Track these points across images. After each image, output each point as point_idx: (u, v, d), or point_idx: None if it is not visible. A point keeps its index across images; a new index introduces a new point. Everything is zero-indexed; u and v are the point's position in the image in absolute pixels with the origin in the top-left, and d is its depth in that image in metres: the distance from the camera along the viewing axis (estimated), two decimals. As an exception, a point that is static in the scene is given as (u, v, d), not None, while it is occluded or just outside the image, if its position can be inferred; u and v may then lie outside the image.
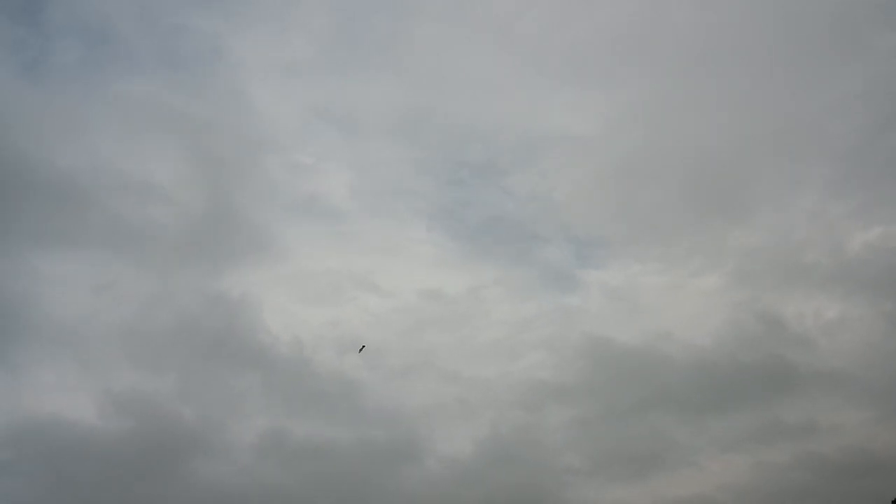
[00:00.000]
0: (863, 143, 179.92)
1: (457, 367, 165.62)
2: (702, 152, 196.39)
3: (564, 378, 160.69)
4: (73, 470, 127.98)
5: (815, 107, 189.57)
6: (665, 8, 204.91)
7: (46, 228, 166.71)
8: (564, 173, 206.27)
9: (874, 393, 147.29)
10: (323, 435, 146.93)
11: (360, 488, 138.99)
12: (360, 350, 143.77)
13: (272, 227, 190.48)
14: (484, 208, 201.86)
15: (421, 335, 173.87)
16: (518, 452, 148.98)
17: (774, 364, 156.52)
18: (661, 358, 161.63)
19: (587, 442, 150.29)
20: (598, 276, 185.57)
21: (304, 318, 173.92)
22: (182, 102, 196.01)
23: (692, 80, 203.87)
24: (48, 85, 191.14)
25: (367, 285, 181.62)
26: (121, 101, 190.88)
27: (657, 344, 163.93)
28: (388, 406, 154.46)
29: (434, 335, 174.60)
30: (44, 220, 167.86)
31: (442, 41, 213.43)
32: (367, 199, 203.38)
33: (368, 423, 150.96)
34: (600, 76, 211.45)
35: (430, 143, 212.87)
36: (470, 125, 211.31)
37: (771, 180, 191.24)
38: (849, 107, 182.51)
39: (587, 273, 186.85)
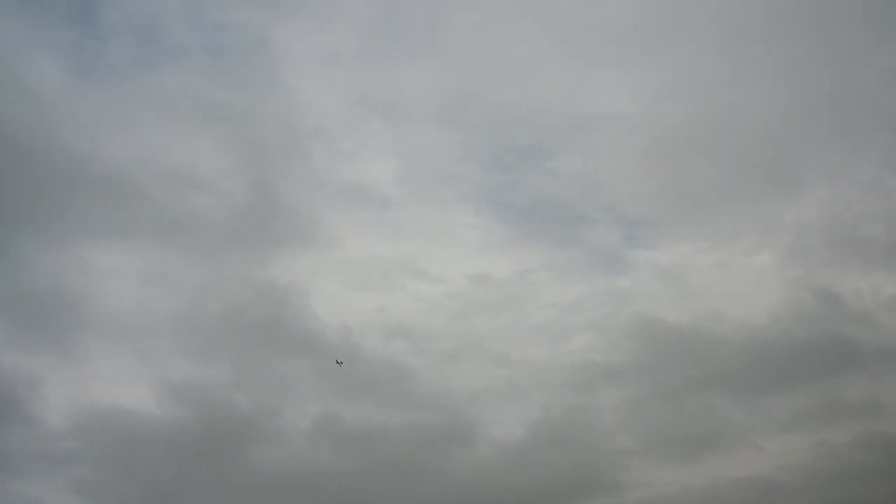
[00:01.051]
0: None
1: (506, 351, 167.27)
2: (751, 126, 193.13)
3: (615, 359, 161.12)
4: (136, 457, 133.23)
5: (869, 76, 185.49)
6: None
7: (98, 222, 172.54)
8: (610, 153, 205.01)
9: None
10: (374, 420, 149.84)
11: (412, 472, 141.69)
12: (340, 364, 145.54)
13: (319, 216, 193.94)
14: (530, 191, 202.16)
15: (470, 320, 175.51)
16: (570, 434, 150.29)
17: (833, 341, 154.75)
18: (713, 338, 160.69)
19: (640, 423, 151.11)
20: (648, 256, 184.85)
21: (353, 305, 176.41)
22: (228, 95, 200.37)
23: (739, 52, 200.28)
24: (102, 83, 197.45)
25: (416, 271, 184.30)
26: (169, 96, 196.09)
27: (709, 324, 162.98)
28: (438, 390, 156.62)
29: (483, 319, 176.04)
30: (96, 213, 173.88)
31: (483, 25, 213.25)
32: (413, 185, 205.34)
33: (419, 408, 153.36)
34: (643, 53, 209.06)
35: (475, 127, 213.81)
36: (513, 108, 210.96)
37: (825, 153, 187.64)
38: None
39: (636, 254, 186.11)
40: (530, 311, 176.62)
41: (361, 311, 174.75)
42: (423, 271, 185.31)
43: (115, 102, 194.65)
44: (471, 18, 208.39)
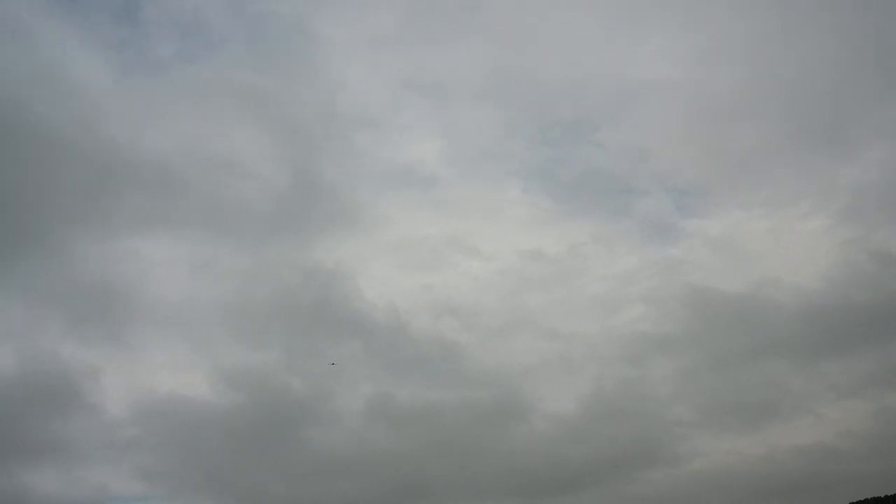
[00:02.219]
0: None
1: (557, 325, 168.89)
2: (801, 86, 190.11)
3: (667, 329, 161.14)
4: (196, 442, 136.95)
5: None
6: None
7: (146, 213, 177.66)
8: (657, 122, 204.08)
9: None
10: (427, 398, 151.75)
11: (468, 449, 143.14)
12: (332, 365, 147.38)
13: (366, 198, 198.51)
14: (577, 164, 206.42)
15: (521, 295, 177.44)
16: (624, 407, 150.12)
17: (892, 303, 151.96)
18: (768, 304, 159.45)
19: (695, 393, 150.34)
20: (699, 224, 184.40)
21: (402, 285, 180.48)
22: (270, 83, 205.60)
23: (789, 12, 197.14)
24: (147, 78, 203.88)
25: (466, 249, 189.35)
26: (212, 87, 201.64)
27: (763, 290, 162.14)
28: (490, 366, 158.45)
29: (534, 294, 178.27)
30: (144, 205, 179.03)
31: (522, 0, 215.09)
32: (460, 164, 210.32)
33: (471, 385, 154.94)
34: (686, 16, 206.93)
35: (520, 103, 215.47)
36: (557, 82, 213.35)
37: (880, 111, 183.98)
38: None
39: (687, 223, 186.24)
40: (582, 284, 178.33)
41: (411, 290, 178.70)
42: (474, 249, 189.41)
43: (159, 96, 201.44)
44: None
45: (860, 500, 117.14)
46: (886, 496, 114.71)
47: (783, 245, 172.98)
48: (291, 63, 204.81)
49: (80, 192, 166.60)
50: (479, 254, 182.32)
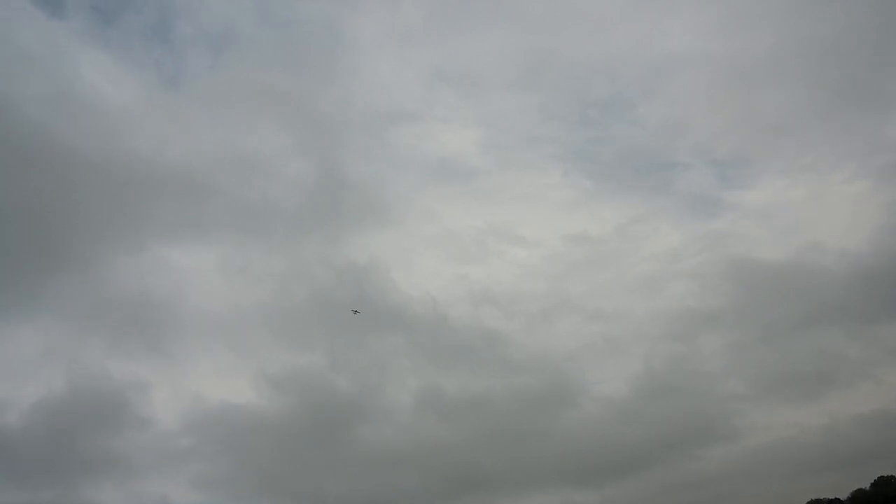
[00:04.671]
0: None
1: (602, 306, 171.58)
2: (836, 47, 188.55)
3: (713, 304, 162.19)
4: (249, 447, 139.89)
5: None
6: None
7: (174, 222, 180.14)
8: (693, 94, 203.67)
9: None
10: (474, 388, 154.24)
11: (520, 436, 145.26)
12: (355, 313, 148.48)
13: (405, 192, 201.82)
14: (616, 143, 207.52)
15: (567, 279, 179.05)
16: (675, 384, 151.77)
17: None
18: (815, 271, 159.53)
19: (748, 366, 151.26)
20: (742, 195, 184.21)
21: (443, 277, 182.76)
22: (301, 86, 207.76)
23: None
24: (173, 88, 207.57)
25: (511, 237, 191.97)
26: (239, 92, 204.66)
27: (808, 256, 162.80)
28: (535, 352, 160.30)
29: (581, 278, 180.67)
30: (171, 214, 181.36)
31: None
32: (498, 152, 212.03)
33: (518, 372, 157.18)
34: None
35: (553, 86, 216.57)
36: (590, 62, 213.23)
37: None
38: None
39: (730, 194, 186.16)
40: (629, 265, 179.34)
41: (450, 281, 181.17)
42: (518, 236, 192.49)
43: (184, 103, 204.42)
44: None
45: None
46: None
47: (827, 209, 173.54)
48: (321, 65, 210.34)
49: (105, 206, 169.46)
50: (523, 241, 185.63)
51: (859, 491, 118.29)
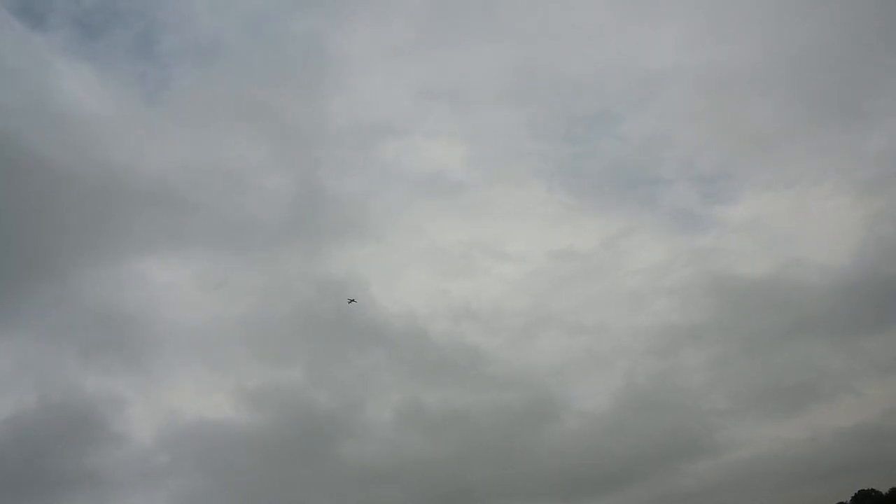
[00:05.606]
0: None
1: (584, 321, 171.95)
2: (820, 61, 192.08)
3: (695, 319, 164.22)
4: (228, 465, 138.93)
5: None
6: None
7: (152, 235, 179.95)
8: (677, 109, 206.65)
9: None
10: (456, 403, 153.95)
11: (504, 451, 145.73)
12: (350, 302, 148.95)
13: (390, 207, 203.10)
14: (602, 158, 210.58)
15: (552, 295, 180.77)
16: (658, 399, 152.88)
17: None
18: (797, 285, 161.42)
19: (731, 380, 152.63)
20: (726, 211, 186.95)
21: (422, 292, 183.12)
22: (285, 100, 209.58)
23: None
24: (165, 105, 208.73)
25: (496, 253, 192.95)
26: (220, 105, 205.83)
27: (791, 271, 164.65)
28: (517, 368, 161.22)
29: (567, 293, 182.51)
30: (148, 227, 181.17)
31: None
32: (484, 167, 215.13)
33: (500, 388, 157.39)
34: (703, 2, 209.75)
35: (541, 102, 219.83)
36: (577, 77, 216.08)
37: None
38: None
39: (714, 209, 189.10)
40: (614, 280, 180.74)
41: (435, 296, 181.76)
42: (503, 252, 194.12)
43: (163, 115, 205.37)
44: None
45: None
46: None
47: (810, 224, 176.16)
48: (308, 79, 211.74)
49: (85, 218, 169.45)
50: (508, 256, 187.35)
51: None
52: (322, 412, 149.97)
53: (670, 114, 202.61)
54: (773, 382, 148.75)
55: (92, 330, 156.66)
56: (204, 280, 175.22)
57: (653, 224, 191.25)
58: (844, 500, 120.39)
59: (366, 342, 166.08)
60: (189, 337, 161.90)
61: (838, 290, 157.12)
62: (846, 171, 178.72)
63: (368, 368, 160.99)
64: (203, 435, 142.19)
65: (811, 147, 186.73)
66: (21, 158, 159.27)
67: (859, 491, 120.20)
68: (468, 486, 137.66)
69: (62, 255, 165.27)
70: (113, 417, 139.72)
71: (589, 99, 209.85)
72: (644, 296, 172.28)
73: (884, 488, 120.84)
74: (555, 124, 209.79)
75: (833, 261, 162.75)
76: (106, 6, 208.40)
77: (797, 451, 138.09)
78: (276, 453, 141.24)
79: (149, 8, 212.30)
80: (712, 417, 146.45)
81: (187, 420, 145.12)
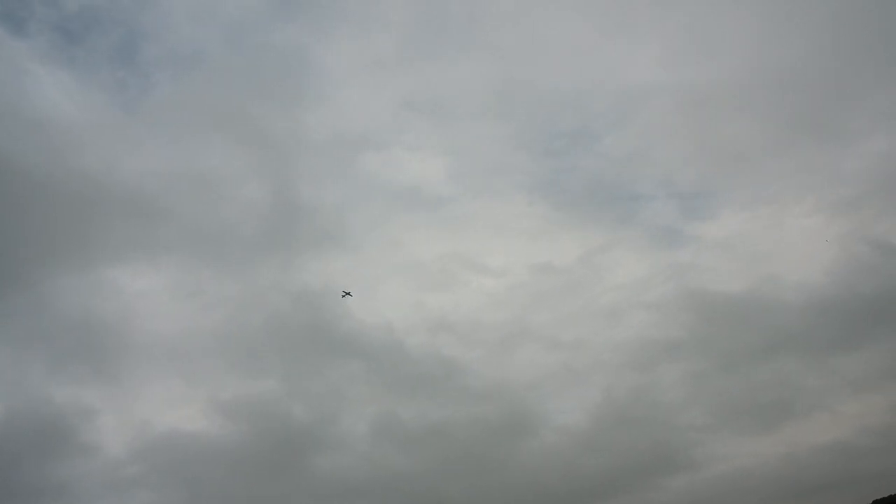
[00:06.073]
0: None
1: (562, 336, 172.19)
2: (801, 81, 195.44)
3: (672, 334, 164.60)
4: (200, 477, 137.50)
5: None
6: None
7: (125, 243, 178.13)
8: (658, 126, 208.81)
9: None
10: (433, 417, 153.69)
11: (480, 465, 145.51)
12: (344, 296, 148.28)
13: (370, 219, 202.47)
14: (583, 174, 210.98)
15: (531, 309, 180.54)
16: (635, 414, 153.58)
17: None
18: (772, 302, 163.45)
19: (707, 397, 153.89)
20: (705, 227, 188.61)
21: (405, 305, 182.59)
22: (269, 112, 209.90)
23: (783, 8, 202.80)
24: (143, 113, 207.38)
25: (476, 266, 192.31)
26: (198, 114, 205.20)
27: (767, 288, 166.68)
28: (494, 382, 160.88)
29: (546, 308, 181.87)
30: (122, 234, 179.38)
31: (519, 13, 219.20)
32: (465, 181, 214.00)
33: (477, 401, 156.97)
34: (682, 18, 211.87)
35: (522, 117, 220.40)
36: (558, 93, 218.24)
37: (878, 102, 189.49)
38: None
39: (693, 226, 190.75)
40: (593, 295, 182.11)
41: (413, 309, 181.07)
42: (483, 266, 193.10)
43: (140, 122, 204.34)
44: (505, 8, 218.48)
45: (882, 498, 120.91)
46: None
47: (786, 242, 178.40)
48: (288, 90, 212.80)
49: (56, 225, 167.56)
50: (488, 270, 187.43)
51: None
52: (297, 425, 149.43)
53: (650, 130, 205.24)
54: (749, 398, 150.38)
55: (63, 338, 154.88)
56: (178, 289, 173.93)
57: (632, 239, 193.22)
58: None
59: (342, 354, 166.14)
60: (162, 347, 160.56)
61: (814, 307, 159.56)
62: (822, 189, 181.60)
63: (344, 381, 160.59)
64: (175, 447, 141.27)
65: (788, 166, 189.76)
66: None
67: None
68: (444, 500, 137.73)
69: (34, 261, 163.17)
70: (83, 428, 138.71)
71: (570, 114, 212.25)
72: (622, 311, 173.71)
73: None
74: (536, 139, 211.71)
75: (808, 279, 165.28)
76: (87, 13, 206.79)
77: (773, 468, 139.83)
78: (249, 466, 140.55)
79: (130, 16, 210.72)
80: (690, 433, 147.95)
81: (159, 431, 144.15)
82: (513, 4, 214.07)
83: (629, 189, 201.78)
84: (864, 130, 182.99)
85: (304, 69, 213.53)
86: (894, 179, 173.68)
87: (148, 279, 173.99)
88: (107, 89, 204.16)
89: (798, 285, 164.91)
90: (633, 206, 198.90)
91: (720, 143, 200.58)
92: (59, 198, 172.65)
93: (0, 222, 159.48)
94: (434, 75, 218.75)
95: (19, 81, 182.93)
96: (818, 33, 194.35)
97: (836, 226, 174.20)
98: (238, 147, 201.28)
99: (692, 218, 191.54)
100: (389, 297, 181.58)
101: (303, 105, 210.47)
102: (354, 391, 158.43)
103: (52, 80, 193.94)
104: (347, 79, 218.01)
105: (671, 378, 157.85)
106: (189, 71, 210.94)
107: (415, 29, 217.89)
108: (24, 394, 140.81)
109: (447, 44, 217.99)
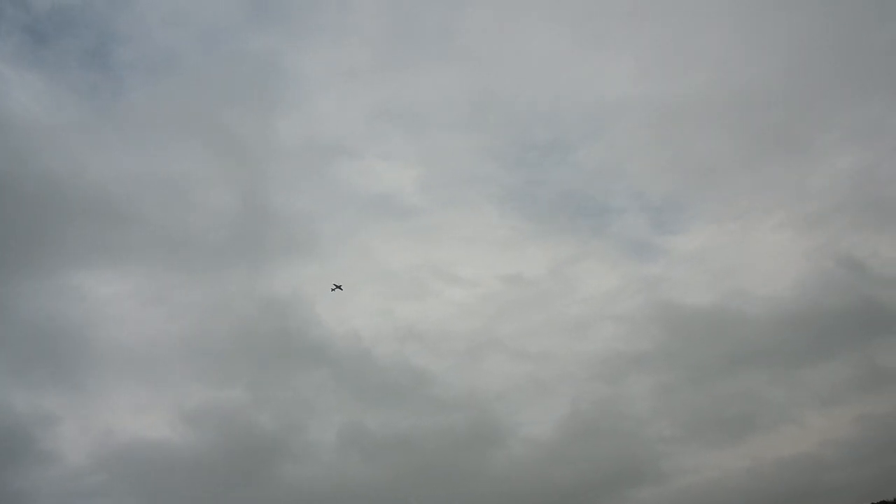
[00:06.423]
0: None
1: (529, 347, 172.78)
2: (771, 99, 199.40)
3: (640, 347, 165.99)
4: (166, 486, 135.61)
5: (887, 40, 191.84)
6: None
7: (91, 247, 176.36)
8: (630, 139, 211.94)
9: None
10: (400, 426, 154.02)
11: (447, 475, 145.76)
12: (334, 289, 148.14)
13: (341, 227, 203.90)
14: (555, 186, 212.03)
15: (499, 319, 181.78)
16: (603, 426, 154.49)
17: (864, 308, 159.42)
18: (740, 316, 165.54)
19: (675, 409, 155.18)
20: (675, 241, 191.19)
21: (373, 314, 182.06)
22: (241, 118, 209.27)
23: (756, 21, 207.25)
24: (113, 117, 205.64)
25: (446, 276, 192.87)
26: (178, 122, 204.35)
27: (735, 302, 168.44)
28: (463, 392, 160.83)
29: (515, 318, 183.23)
30: (87, 239, 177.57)
31: (494, 25, 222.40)
32: (438, 190, 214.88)
33: (445, 411, 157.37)
34: (655, 34, 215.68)
35: (495, 128, 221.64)
36: (532, 105, 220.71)
37: (846, 119, 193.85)
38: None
39: (664, 239, 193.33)
40: (563, 306, 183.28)
41: (381, 318, 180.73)
42: (453, 275, 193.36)
43: (118, 127, 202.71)
44: (481, 20, 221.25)
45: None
46: None
47: (754, 256, 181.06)
48: (262, 97, 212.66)
49: (19, 228, 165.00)
50: (458, 280, 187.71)
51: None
52: (263, 433, 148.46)
53: (622, 144, 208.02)
54: (716, 411, 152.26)
55: (24, 344, 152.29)
56: (144, 295, 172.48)
57: (602, 252, 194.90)
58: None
59: (309, 363, 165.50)
60: (127, 353, 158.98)
61: (779, 321, 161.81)
62: (789, 205, 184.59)
63: (311, 389, 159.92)
64: (139, 455, 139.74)
65: (757, 181, 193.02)
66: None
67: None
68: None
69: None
70: (44, 436, 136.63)
71: (543, 126, 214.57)
72: (591, 323, 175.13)
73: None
74: (508, 150, 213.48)
75: (775, 293, 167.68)
76: (58, 15, 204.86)
77: (740, 480, 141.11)
78: (215, 474, 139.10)
79: (104, 18, 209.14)
80: (657, 445, 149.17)
81: (123, 440, 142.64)
82: (488, 17, 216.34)
83: (601, 201, 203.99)
84: (831, 147, 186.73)
85: (278, 76, 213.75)
86: (860, 196, 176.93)
87: (114, 285, 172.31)
88: (78, 92, 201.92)
89: (765, 299, 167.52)
90: (604, 218, 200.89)
91: (691, 158, 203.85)
92: (24, 200, 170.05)
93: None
94: (408, 85, 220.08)
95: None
96: (789, 52, 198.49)
97: (803, 241, 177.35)
98: (209, 152, 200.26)
99: (662, 231, 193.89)
100: (359, 306, 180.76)
101: (276, 112, 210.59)
102: (322, 400, 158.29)
103: (20, 82, 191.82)
104: (322, 87, 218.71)
105: (639, 390, 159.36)
106: (162, 75, 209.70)
107: (389, 39, 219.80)
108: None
109: (422, 54, 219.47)
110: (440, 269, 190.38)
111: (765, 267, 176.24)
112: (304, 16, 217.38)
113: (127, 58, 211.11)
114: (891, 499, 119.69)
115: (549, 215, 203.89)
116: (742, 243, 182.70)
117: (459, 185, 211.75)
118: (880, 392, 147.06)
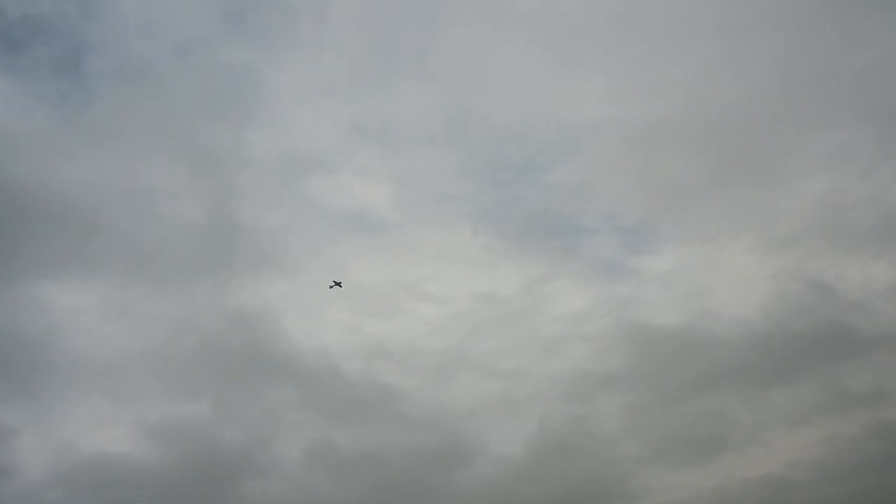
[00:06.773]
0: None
1: (501, 365, 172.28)
2: (742, 122, 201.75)
3: (610, 366, 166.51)
4: (126, 502, 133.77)
5: (859, 64, 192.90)
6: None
7: (53, 256, 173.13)
8: (603, 161, 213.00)
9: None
10: (368, 443, 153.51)
11: (414, 494, 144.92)
12: (332, 286, 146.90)
13: (309, 242, 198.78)
14: (528, 206, 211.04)
15: (470, 337, 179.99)
16: (572, 445, 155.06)
17: (830, 330, 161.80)
18: (709, 337, 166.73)
19: (643, 429, 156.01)
20: (646, 261, 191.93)
21: (342, 330, 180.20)
22: (212, 130, 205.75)
23: (726, 49, 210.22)
24: (82, 125, 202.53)
25: (419, 293, 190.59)
26: (148, 132, 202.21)
27: (702, 323, 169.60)
28: (431, 409, 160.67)
29: (485, 336, 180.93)
30: (50, 248, 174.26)
31: (470, 45, 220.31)
32: (411, 208, 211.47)
33: (413, 428, 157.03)
34: (631, 55, 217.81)
35: (469, 147, 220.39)
36: (507, 124, 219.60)
37: (817, 142, 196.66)
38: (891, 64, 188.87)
39: (635, 260, 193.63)
40: (534, 325, 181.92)
41: (350, 335, 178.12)
42: (426, 292, 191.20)
43: (86, 135, 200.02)
44: (458, 39, 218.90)
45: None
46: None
47: (723, 278, 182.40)
48: (235, 110, 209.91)
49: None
50: (429, 297, 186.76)
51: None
52: (228, 449, 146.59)
53: (595, 164, 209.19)
54: (685, 431, 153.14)
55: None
56: (108, 306, 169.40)
57: (574, 271, 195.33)
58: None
59: (276, 378, 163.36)
60: (89, 365, 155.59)
61: (748, 343, 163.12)
62: (759, 228, 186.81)
63: (278, 405, 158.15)
64: (100, 470, 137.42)
65: (726, 204, 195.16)
66: None
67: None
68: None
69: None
70: (0, 449, 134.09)
71: (517, 146, 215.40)
72: (562, 342, 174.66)
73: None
74: (482, 169, 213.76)
75: (744, 314, 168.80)
76: (30, 22, 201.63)
77: (707, 500, 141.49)
78: (178, 490, 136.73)
79: (77, 27, 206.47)
80: (626, 465, 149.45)
81: (83, 454, 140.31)
82: (464, 37, 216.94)
83: (573, 221, 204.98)
84: (801, 171, 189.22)
85: (252, 89, 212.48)
86: (829, 220, 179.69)
87: (77, 295, 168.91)
88: (47, 100, 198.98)
89: (734, 321, 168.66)
90: (576, 238, 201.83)
91: (662, 180, 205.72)
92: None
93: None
94: (384, 102, 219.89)
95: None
96: (760, 77, 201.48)
97: (771, 263, 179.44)
98: (179, 164, 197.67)
99: (634, 252, 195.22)
100: (328, 322, 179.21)
101: (249, 125, 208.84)
102: (288, 416, 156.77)
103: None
104: (296, 101, 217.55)
105: (608, 410, 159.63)
106: (135, 85, 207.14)
107: (366, 55, 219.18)
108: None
109: (397, 71, 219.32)
110: (412, 286, 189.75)
111: (734, 289, 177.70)
112: (281, 30, 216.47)
113: (99, 67, 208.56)
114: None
115: (522, 234, 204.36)
116: (712, 265, 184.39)
117: (433, 203, 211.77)
118: (847, 414, 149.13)
